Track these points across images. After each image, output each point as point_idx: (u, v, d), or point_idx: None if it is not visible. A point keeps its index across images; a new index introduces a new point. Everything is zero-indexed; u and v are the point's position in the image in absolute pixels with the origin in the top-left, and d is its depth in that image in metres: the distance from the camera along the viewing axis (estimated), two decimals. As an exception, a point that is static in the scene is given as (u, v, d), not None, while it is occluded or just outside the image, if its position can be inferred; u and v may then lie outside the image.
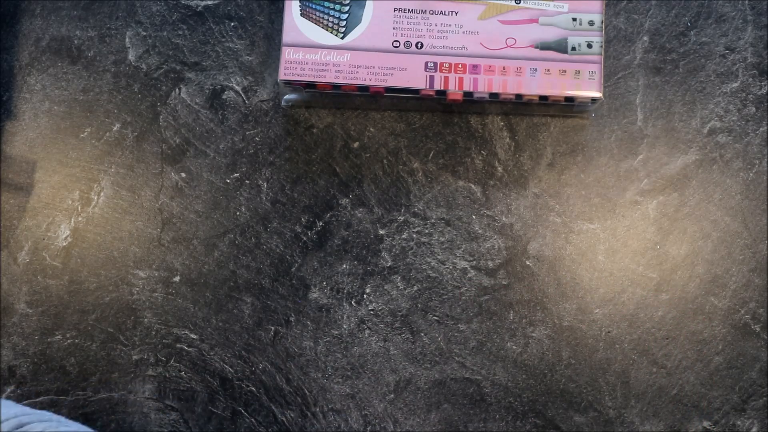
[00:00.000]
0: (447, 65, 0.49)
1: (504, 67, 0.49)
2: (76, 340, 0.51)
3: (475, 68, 0.49)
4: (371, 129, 0.53)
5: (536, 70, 0.49)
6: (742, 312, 0.50)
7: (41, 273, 0.52)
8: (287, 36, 0.50)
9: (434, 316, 0.51)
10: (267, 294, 0.51)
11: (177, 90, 0.54)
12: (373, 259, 0.51)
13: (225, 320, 0.51)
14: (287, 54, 0.49)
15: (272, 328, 0.51)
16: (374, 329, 0.51)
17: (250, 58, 0.54)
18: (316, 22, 0.50)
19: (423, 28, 0.50)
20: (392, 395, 0.50)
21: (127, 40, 0.54)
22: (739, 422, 0.50)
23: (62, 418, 0.34)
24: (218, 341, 0.51)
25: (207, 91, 0.54)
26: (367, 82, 0.49)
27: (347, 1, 0.50)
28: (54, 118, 0.54)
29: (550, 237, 0.51)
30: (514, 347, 0.51)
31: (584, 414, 0.50)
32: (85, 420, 0.50)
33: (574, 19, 0.50)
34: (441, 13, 0.50)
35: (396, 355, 0.50)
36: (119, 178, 0.53)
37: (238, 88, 0.54)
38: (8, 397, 0.50)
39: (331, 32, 0.50)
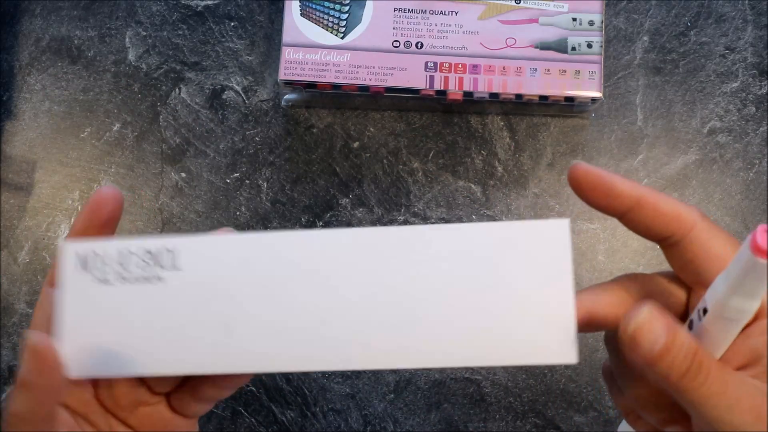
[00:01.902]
0: (447, 65, 0.49)
1: (504, 67, 0.49)
2: (76, 340, 0.51)
3: (475, 68, 0.49)
4: (371, 129, 0.53)
5: (536, 70, 0.49)
6: (742, 312, 0.50)
7: (41, 273, 0.52)
8: (287, 36, 0.50)
9: (434, 316, 0.51)
10: (267, 294, 0.51)
11: (177, 90, 0.54)
12: (373, 259, 0.51)
13: (225, 320, 0.51)
14: (287, 54, 0.49)
15: (272, 328, 0.51)
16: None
17: (250, 58, 0.54)
18: (316, 22, 0.50)
19: (423, 28, 0.50)
20: (392, 395, 0.50)
21: (127, 40, 0.54)
22: (739, 422, 0.49)
23: None
24: (218, 341, 0.51)
25: (207, 91, 0.54)
26: (367, 82, 0.49)
27: (347, 1, 0.50)
28: (54, 118, 0.54)
29: (550, 237, 0.51)
30: (514, 347, 0.50)
31: (584, 414, 0.50)
32: (85, 420, 0.50)
33: (574, 19, 0.50)
34: (441, 13, 0.50)
35: (396, 355, 0.50)
36: (119, 178, 0.53)
37: (238, 88, 0.54)
38: (8, 398, 0.50)
39: (331, 32, 0.50)
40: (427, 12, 0.50)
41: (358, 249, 0.25)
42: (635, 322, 0.22)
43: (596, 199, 0.24)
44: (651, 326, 0.22)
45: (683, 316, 0.25)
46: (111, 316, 0.25)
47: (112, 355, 0.26)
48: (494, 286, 0.24)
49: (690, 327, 0.24)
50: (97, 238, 0.26)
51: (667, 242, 0.25)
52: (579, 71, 0.49)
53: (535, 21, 0.50)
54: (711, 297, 0.23)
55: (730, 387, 0.22)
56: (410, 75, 0.49)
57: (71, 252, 0.26)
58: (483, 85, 0.49)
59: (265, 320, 0.25)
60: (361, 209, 0.52)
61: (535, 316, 0.24)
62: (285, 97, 0.52)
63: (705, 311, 0.23)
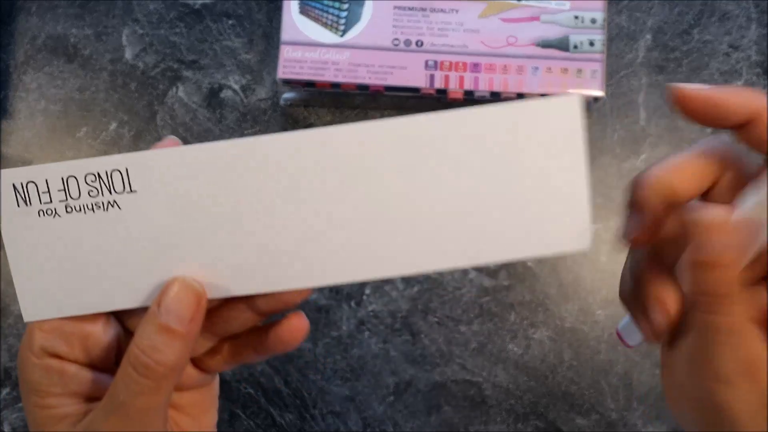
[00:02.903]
0: (447, 64, 0.49)
1: (505, 66, 0.49)
2: (73, 342, 0.50)
3: (475, 67, 0.49)
4: (371, 128, 0.53)
5: (538, 68, 0.49)
6: (746, 313, 0.50)
7: (37, 274, 0.51)
8: (286, 34, 0.49)
9: (434, 317, 0.50)
10: (265, 295, 0.51)
11: (174, 89, 0.53)
12: (372, 259, 0.51)
13: (223, 322, 0.50)
14: (286, 52, 0.49)
15: (271, 329, 0.50)
16: (374, 331, 0.50)
17: (248, 57, 0.53)
18: (316, 20, 0.49)
19: (423, 26, 0.49)
20: (392, 397, 0.50)
21: (123, 38, 0.54)
22: (742, 425, 0.49)
23: None
24: (216, 343, 0.50)
25: (205, 89, 0.53)
26: (366, 81, 0.49)
27: (346, -1, 0.49)
28: (50, 117, 0.53)
29: (551, 237, 0.51)
30: (515, 349, 0.50)
31: (586, 416, 0.49)
32: (81, 422, 0.49)
33: (576, 17, 0.49)
34: (441, 11, 0.49)
35: (396, 356, 0.50)
36: (116, 177, 0.52)
37: (236, 86, 0.53)
38: (4, 399, 0.50)
39: (331, 30, 0.49)
40: (428, 10, 0.49)
41: (343, 149, 0.22)
42: (722, 219, 0.21)
43: (704, 121, 0.23)
44: (729, 233, 0.21)
45: None
46: (63, 250, 0.23)
47: (70, 292, 0.24)
48: (503, 175, 0.23)
49: None
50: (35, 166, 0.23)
51: None
52: (581, 70, 0.49)
53: (537, 19, 0.49)
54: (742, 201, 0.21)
55: (741, 335, 0.21)
56: (410, 74, 0.49)
57: (7, 184, 0.23)
58: (484, 84, 0.49)
59: (240, 237, 0.23)
60: (360, 209, 0.51)
61: (547, 203, 0.23)
62: (284, 95, 0.52)
63: None
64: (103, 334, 0.25)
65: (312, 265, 0.23)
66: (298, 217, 0.23)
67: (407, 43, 0.49)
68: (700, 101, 0.22)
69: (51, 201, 0.23)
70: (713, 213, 0.21)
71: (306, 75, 0.49)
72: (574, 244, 0.23)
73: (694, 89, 0.22)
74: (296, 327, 0.26)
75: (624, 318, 0.30)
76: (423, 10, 0.49)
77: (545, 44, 0.49)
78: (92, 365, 0.25)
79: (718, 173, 0.24)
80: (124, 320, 0.26)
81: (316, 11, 0.50)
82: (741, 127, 0.23)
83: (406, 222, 0.23)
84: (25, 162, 0.53)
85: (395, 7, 0.49)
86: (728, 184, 0.24)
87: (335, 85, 0.49)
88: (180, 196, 0.23)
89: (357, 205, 0.23)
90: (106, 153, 0.53)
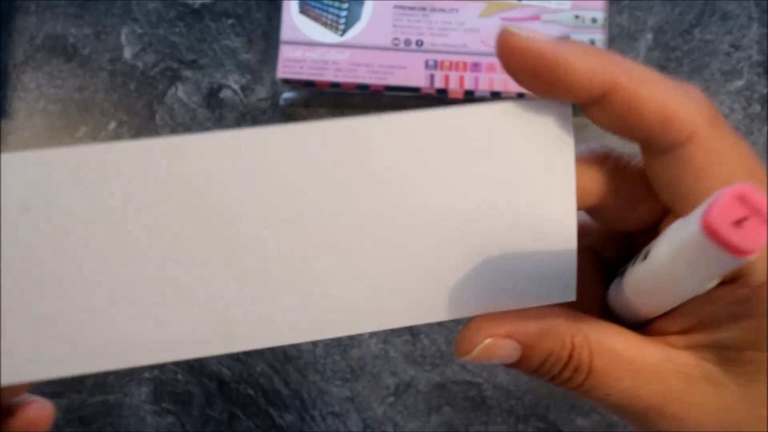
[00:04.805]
0: (448, 63, 0.49)
1: (505, 65, 0.49)
2: (71, 343, 0.50)
3: (476, 66, 0.49)
4: (371, 128, 0.53)
5: (538, 68, 0.48)
6: (747, 314, 0.50)
7: (36, 274, 0.51)
8: (285, 33, 0.49)
9: (435, 317, 0.50)
10: (265, 295, 0.50)
11: (174, 88, 0.53)
12: (372, 260, 0.51)
13: (222, 322, 0.50)
14: (285, 52, 0.49)
15: (270, 330, 0.50)
16: (374, 331, 0.50)
17: (247, 56, 0.53)
18: (315, 19, 0.49)
19: (423, 25, 0.49)
20: (392, 398, 0.49)
21: (122, 37, 0.54)
22: (744, 426, 0.49)
23: None
24: (215, 343, 0.50)
25: (204, 89, 0.53)
26: (366, 81, 0.48)
27: (346, -2, 0.49)
28: (49, 116, 0.53)
29: (552, 238, 0.51)
30: (515, 349, 0.50)
31: (587, 417, 0.49)
32: (80, 423, 0.49)
33: (577, 17, 0.49)
34: (441, 10, 0.49)
35: (396, 357, 0.50)
36: (115, 177, 0.52)
37: (235, 86, 0.53)
38: (2, 400, 0.50)
39: (331, 30, 0.49)
40: (428, 9, 0.49)
41: (300, 147, 0.16)
42: (477, 352, 0.19)
43: (538, 89, 0.16)
44: (496, 351, 0.18)
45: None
46: None
47: None
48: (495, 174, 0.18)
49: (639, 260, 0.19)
50: None
51: (650, 149, 0.17)
52: (582, 69, 0.48)
53: (537, 18, 0.49)
54: (657, 248, 0.16)
55: (614, 376, 0.18)
56: (410, 73, 0.48)
57: None
58: (484, 83, 0.48)
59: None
60: (360, 209, 0.51)
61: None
62: (283, 95, 0.52)
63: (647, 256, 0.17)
64: None
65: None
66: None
67: (407, 42, 0.49)
68: (532, 56, 0.15)
69: None
70: (473, 350, 0.19)
71: (306, 75, 0.48)
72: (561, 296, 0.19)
73: (528, 36, 0.15)
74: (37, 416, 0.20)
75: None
76: (423, 9, 0.49)
77: (546, 44, 0.49)
78: None
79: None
80: None
81: (316, 11, 0.49)
82: (592, 103, 0.16)
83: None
84: (24, 162, 0.53)
85: (395, 7, 0.49)
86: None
87: (335, 85, 0.49)
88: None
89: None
90: (105, 153, 0.52)
